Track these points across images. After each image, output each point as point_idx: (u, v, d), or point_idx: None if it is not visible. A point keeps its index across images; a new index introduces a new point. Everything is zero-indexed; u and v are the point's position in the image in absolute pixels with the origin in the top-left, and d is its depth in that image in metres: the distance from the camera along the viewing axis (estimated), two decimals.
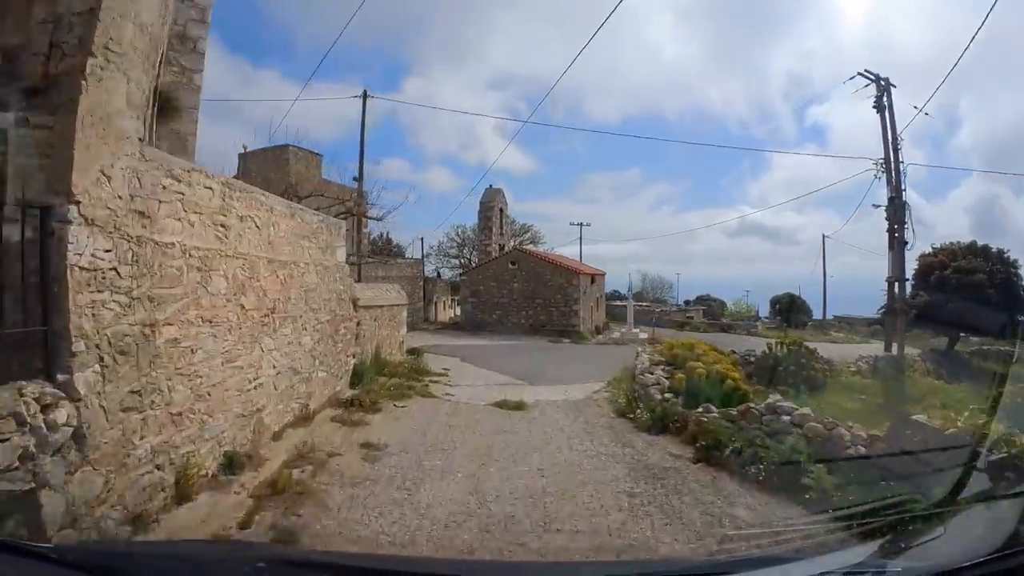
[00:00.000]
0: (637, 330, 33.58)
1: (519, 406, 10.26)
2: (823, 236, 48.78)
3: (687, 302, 67.98)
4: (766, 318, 54.06)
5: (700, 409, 8.60)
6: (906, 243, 21.49)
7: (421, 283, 34.63)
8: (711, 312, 58.73)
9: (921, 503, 3.24)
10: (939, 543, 2.08)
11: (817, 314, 53.90)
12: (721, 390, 9.84)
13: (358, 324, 11.26)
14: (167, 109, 8.79)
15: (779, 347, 14.33)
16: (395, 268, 32.73)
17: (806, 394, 11.05)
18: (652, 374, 11.58)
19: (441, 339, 26.52)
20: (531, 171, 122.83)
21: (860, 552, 2.16)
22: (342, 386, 10.13)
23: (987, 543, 1.85)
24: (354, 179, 29.05)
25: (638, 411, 9.50)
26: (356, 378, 10.83)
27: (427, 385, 12.03)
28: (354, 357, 10.99)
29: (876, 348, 25.36)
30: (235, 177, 16.67)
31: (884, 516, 3.12)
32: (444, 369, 14.94)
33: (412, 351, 16.35)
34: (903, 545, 2.10)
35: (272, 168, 33.15)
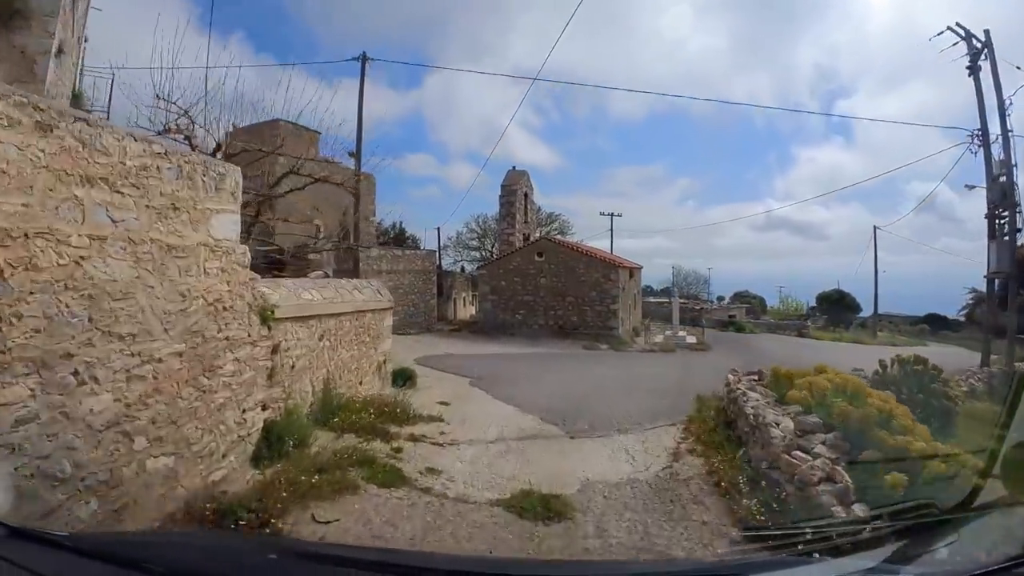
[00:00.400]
0: (684, 332, 28.66)
1: (552, 508, 5.52)
2: (874, 228, 43.21)
3: (719, 298, 63.71)
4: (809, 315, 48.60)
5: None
6: (1019, 229, 17.23)
7: (434, 277, 30.04)
8: (753, 310, 53.98)
9: (936, 509, 2.82)
10: (953, 550, 2.06)
11: (863, 313, 48.88)
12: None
13: (275, 350, 6.63)
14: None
15: (895, 366, 9.72)
16: (403, 260, 28.16)
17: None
18: (768, 415, 6.74)
19: (453, 345, 21.90)
20: (556, 166, 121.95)
21: (873, 556, 2.14)
22: (229, 469, 5.50)
23: (1002, 551, 1.87)
24: (349, 153, 24.62)
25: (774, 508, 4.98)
26: (271, 445, 6.21)
27: (400, 449, 7.21)
28: (267, 409, 6.34)
29: (936, 352, 20.44)
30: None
31: (898, 521, 2.91)
32: (441, 403, 10.25)
33: (401, 374, 11.73)
34: (916, 551, 2.12)
35: (262, 146, 28.90)
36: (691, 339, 26.88)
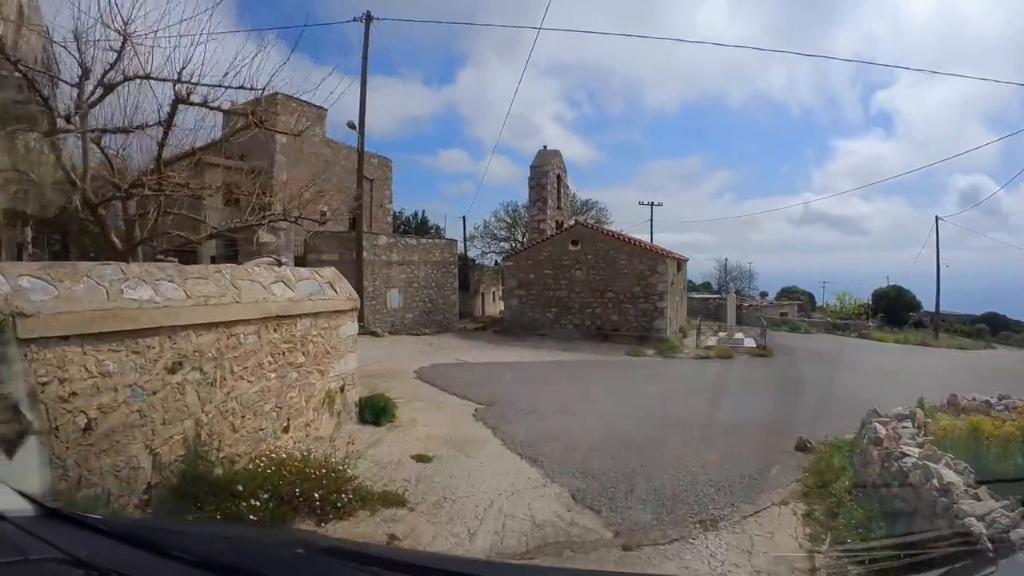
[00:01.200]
0: (740, 334, 24.48)
1: None
2: (936, 218, 38.31)
3: (762, 294, 59.75)
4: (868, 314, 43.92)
5: None
6: None
7: (456, 270, 26.50)
8: (803, 307, 49.70)
9: (975, 537, 2.87)
10: None
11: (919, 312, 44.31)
12: None
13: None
14: None
15: None
16: (418, 251, 24.62)
17: None
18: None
19: (470, 349, 18.28)
20: (590, 160, 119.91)
21: None
22: None
23: None
24: (349, 124, 21.21)
25: None
26: None
27: None
28: None
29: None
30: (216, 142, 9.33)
31: (935, 548, 2.91)
32: (419, 458, 6.58)
33: (373, 404, 8.11)
34: None
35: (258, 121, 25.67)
36: (749, 342, 22.73)
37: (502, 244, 40.42)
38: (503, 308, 28.72)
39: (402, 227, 38.83)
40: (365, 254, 21.76)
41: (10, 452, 2.54)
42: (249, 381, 5.54)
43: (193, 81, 6.80)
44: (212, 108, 7.15)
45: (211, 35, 7.03)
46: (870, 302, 47.36)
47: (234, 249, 18.96)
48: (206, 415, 4.98)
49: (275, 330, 5.94)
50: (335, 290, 7.30)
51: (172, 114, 6.94)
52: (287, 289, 6.28)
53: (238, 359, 5.40)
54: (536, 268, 23.17)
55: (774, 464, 6.74)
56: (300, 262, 25.49)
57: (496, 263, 38.75)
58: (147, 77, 6.79)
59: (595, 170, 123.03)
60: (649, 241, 33.55)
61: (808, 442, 7.39)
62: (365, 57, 20.45)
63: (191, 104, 6.88)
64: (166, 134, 7.17)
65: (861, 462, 5.90)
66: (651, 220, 42.30)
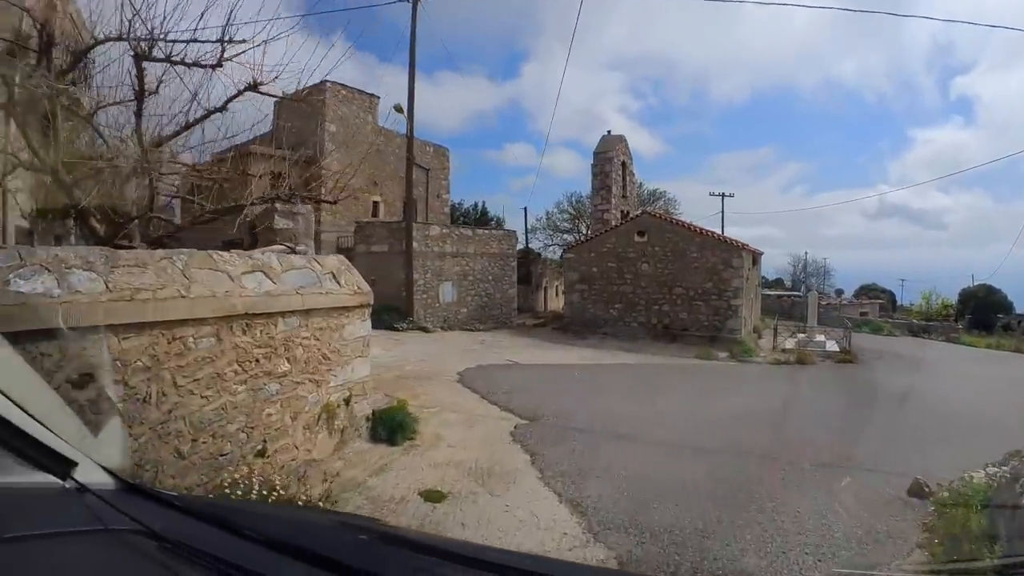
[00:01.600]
0: (821, 336, 22.02)
1: None
2: None
3: (838, 292, 56.32)
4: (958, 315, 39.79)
5: None
6: None
7: (514, 262, 25.13)
8: (884, 307, 46.02)
9: None
10: None
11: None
12: None
13: None
14: None
15: None
16: (474, 242, 23.34)
17: None
18: None
19: (524, 348, 16.87)
20: (656, 152, 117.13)
21: None
22: None
23: None
24: (395, 108, 20.06)
25: None
26: None
27: None
28: None
29: None
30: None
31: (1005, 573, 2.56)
32: (428, 497, 5.20)
33: (388, 419, 6.77)
34: None
35: (309, 114, 25.08)
36: (831, 345, 20.32)
37: (565, 236, 38.62)
38: (564, 303, 27.22)
39: (461, 219, 37.78)
40: (416, 245, 20.64)
41: (95, 429, 2.37)
42: (204, 396, 4.30)
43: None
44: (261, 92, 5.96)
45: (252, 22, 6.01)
46: (957, 302, 43.20)
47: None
48: (134, 439, 3.76)
49: (244, 332, 4.67)
50: (338, 282, 6.00)
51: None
52: (266, 280, 5.01)
53: (185, 368, 4.15)
54: (599, 261, 21.48)
55: (885, 517, 5.05)
56: (349, 253, 24.84)
57: (561, 256, 37.23)
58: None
59: (661, 163, 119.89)
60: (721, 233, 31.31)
61: (925, 485, 5.63)
62: (413, 37, 19.52)
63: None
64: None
65: (1014, 528, 4.18)
66: (722, 212, 39.65)
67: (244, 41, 5.98)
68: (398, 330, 19.16)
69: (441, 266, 21.94)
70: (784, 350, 19.05)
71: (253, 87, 6.21)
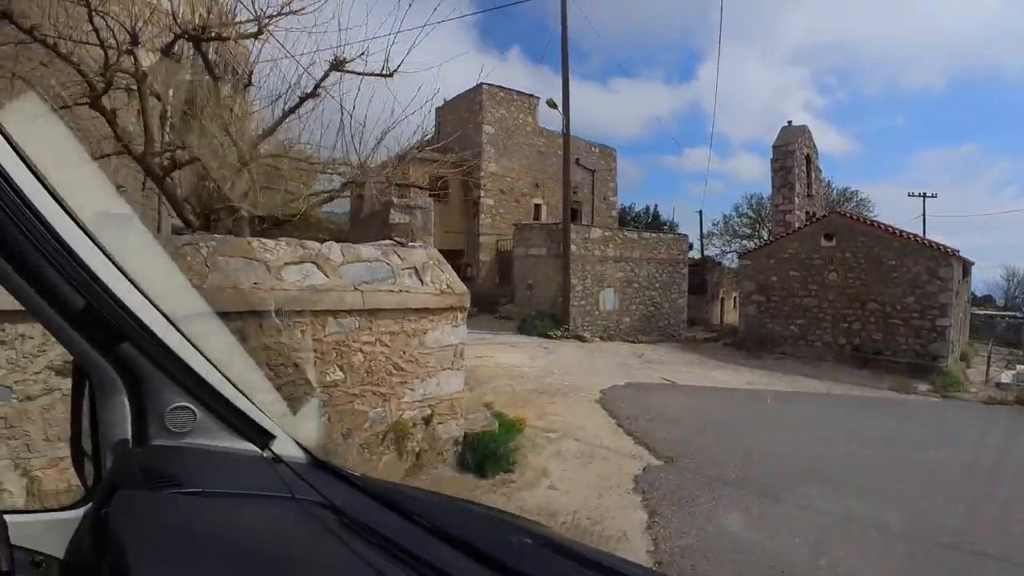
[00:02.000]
0: None
1: None
2: None
3: None
4: None
5: None
6: None
7: (685, 270, 23.22)
8: None
9: None
10: None
11: None
12: None
13: None
14: None
15: None
16: (639, 246, 21.76)
17: None
18: None
19: (686, 366, 15.11)
20: (845, 152, 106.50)
21: None
22: None
23: None
24: (549, 103, 19.20)
25: None
26: None
27: None
28: None
29: None
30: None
31: None
32: None
33: (481, 444, 5.63)
34: None
35: (467, 119, 25.19)
36: None
37: (744, 242, 35.35)
38: (739, 317, 24.63)
39: (632, 223, 36.12)
40: (575, 248, 19.57)
41: (293, 407, 2.34)
42: None
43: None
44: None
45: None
46: None
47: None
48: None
49: (277, 331, 3.87)
50: (420, 279, 5.07)
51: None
52: (316, 273, 4.20)
53: None
54: (779, 268, 18.89)
55: None
56: (507, 257, 24.46)
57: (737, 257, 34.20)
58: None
59: (852, 163, 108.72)
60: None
61: None
62: (564, 29, 18.55)
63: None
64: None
65: None
66: (923, 216, 34.00)
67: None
68: (551, 338, 18.23)
69: (602, 271, 20.65)
70: (999, 384, 15.29)
71: (337, 66, 5.61)
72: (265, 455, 1.46)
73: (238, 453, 1.41)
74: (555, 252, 19.94)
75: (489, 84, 24.54)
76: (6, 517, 1.09)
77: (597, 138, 29.83)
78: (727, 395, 11.58)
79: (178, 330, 1.34)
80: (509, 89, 25.67)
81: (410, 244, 7.39)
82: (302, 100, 5.75)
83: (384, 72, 5.64)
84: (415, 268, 5.11)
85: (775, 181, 22.71)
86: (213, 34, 5.41)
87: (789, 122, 23.11)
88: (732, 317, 29.07)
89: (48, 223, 1.11)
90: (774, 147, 22.63)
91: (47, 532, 1.27)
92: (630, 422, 8.37)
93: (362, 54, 5.67)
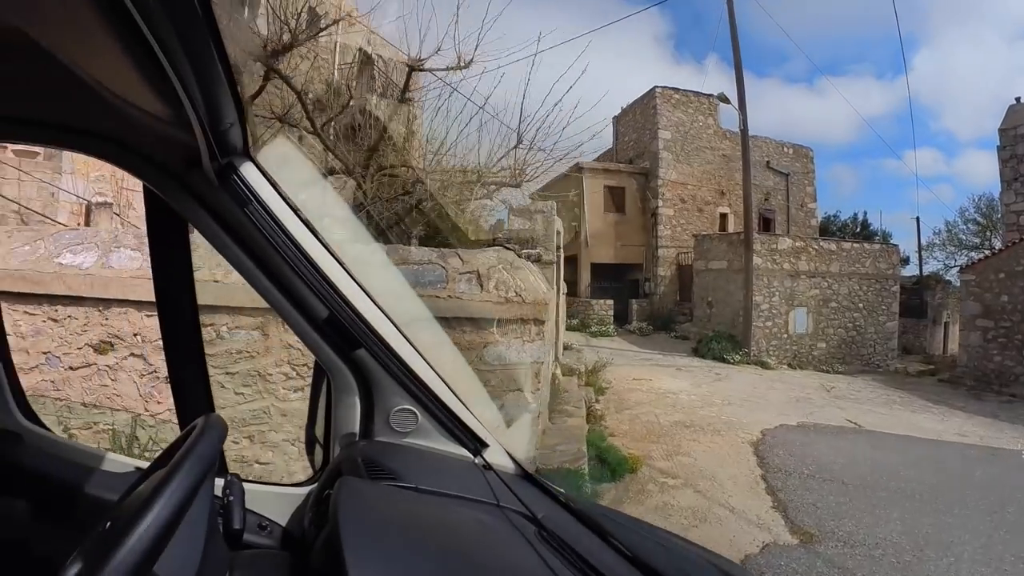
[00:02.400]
0: None
1: None
2: None
3: None
4: None
5: None
6: None
7: (895, 287, 20.07)
8: None
9: None
10: None
11: None
12: None
13: None
14: None
15: None
16: (838, 259, 19.04)
17: None
18: None
19: (882, 407, 12.83)
20: None
21: None
22: None
23: None
24: (719, 97, 17.52)
25: None
26: None
27: None
28: None
29: None
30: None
31: None
32: None
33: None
34: None
35: (643, 125, 24.09)
36: None
37: (971, 254, 29.32)
38: (960, 346, 20.34)
39: (836, 233, 32.01)
40: (759, 261, 17.65)
41: (509, 422, 2.74)
42: (238, 393, 4.31)
43: None
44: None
45: None
46: None
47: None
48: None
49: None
50: (480, 285, 4.42)
51: None
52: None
53: (213, 359, 4.04)
54: (1011, 286, 15.32)
55: None
56: (687, 271, 22.81)
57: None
58: None
59: None
60: None
61: None
62: (731, 14, 17.41)
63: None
64: None
65: None
66: None
67: None
68: (728, 363, 16.58)
69: (793, 288, 18.32)
70: None
71: (414, 67, 5.76)
72: (477, 461, 1.53)
73: (452, 457, 1.51)
74: (737, 266, 18.14)
75: (663, 87, 23.53)
76: (244, 485, 1.26)
77: (807, 144, 27.15)
78: (930, 449, 9.18)
79: (407, 340, 1.44)
80: (686, 91, 24.41)
81: (524, 251, 6.86)
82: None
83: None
84: (476, 272, 4.52)
85: (1003, 174, 18.55)
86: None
87: (1017, 99, 18.56)
88: (955, 345, 24.27)
89: (298, 243, 1.30)
90: (1000, 131, 18.50)
91: (276, 502, 1.44)
92: (780, 476, 6.98)
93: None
